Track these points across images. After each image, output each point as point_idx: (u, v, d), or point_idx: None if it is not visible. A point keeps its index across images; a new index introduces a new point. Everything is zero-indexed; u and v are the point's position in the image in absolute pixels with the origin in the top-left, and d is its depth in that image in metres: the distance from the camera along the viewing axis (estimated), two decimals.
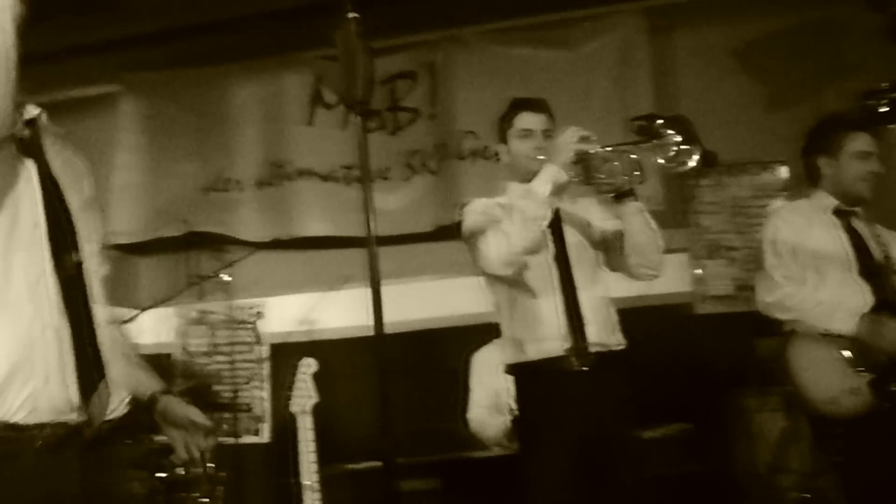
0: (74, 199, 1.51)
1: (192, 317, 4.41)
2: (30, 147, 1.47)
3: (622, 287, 2.44)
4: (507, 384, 2.79)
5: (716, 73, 3.98)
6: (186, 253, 4.34)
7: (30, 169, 1.44)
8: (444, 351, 3.88)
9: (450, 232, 3.87)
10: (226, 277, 3.96)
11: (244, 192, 4.37)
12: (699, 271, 3.95)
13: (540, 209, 2.17)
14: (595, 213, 2.44)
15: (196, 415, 1.69)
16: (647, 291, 2.80)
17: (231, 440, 3.88)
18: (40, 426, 1.36)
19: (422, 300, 4.13)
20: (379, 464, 2.71)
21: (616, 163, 2.20)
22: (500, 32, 4.09)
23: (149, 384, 1.70)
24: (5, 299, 1.36)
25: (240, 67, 4.41)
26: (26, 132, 1.47)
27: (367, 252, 1.56)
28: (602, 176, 2.22)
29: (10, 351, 1.35)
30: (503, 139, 2.45)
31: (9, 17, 1.33)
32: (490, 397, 3.36)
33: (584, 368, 2.23)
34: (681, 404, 3.36)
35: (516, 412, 2.41)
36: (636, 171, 2.19)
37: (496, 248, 2.22)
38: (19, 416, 1.34)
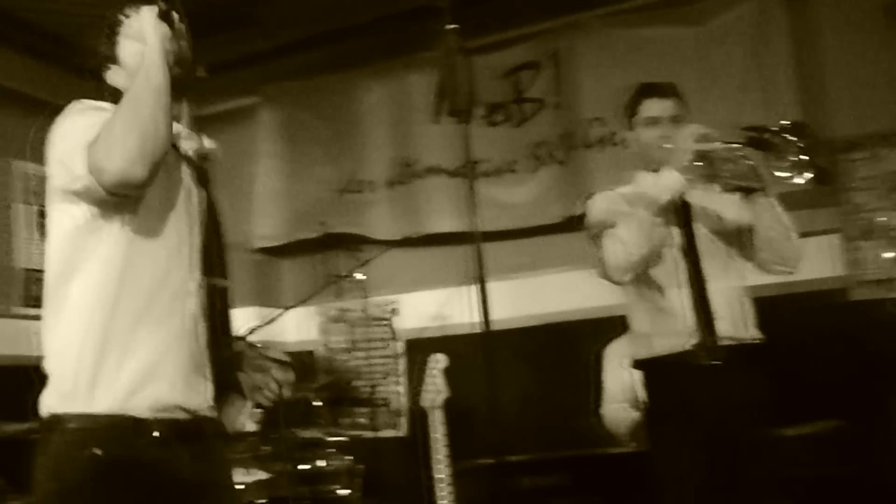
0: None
1: (332, 315, 4.59)
2: (203, 177, 1.64)
3: (765, 275, 2.30)
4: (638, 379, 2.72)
5: (865, 36, 3.64)
6: (324, 253, 4.53)
7: (202, 197, 1.63)
8: (577, 345, 3.80)
9: (580, 222, 3.81)
10: (360, 276, 4.08)
11: (376, 192, 4.49)
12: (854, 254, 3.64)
13: (656, 216, 2.12)
14: (727, 204, 2.31)
15: (272, 352, 1.75)
16: (795, 278, 2.61)
17: (370, 434, 4.00)
18: (157, 421, 1.47)
19: (553, 293, 4.08)
20: (510, 458, 2.73)
21: (735, 164, 2.12)
22: (622, 14, 3.94)
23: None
24: (155, 309, 1.50)
25: (367, 71, 4.53)
26: (204, 163, 1.66)
27: (473, 249, 1.55)
28: (726, 174, 2.14)
29: (145, 356, 1.47)
30: (630, 127, 2.39)
31: (162, 53, 1.52)
32: (624, 392, 3.27)
33: (715, 363, 2.13)
34: (833, 399, 3.11)
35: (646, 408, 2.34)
36: (756, 175, 2.11)
37: (613, 258, 2.20)
38: (143, 413, 1.46)
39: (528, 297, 4.10)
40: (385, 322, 4.45)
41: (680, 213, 2.25)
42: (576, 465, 3.15)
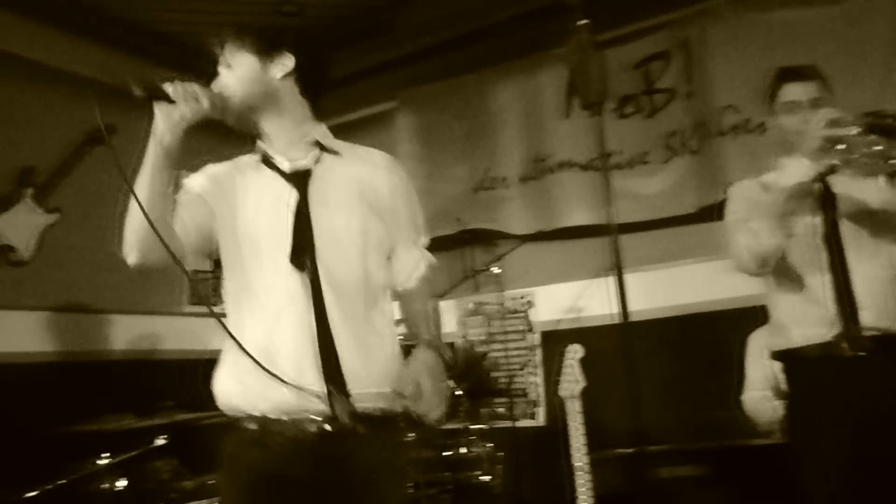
0: (339, 219, 1.76)
1: (469, 308, 4.75)
2: (294, 180, 1.78)
3: None
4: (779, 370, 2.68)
5: None
6: (461, 249, 4.70)
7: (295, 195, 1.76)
8: (716, 335, 3.76)
9: (714, 212, 3.76)
10: (496, 270, 4.20)
11: (510, 188, 4.60)
12: None
13: (786, 205, 2.09)
14: (872, 189, 2.22)
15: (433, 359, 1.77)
16: None
17: (508, 423, 4.13)
18: (290, 421, 1.62)
19: (690, 284, 4.04)
20: (649, 448, 2.75)
21: (868, 148, 2.03)
22: None
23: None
24: (272, 313, 1.67)
25: (499, 70, 4.64)
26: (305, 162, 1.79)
27: (610, 241, 1.63)
28: (861, 159, 2.06)
29: (304, 356, 1.63)
30: (770, 112, 2.35)
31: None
32: (766, 381, 3.22)
33: (859, 354, 2.09)
34: None
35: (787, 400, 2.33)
36: (886, 160, 2.02)
37: (746, 249, 2.18)
38: (274, 414, 1.63)
39: (664, 288, 4.08)
40: (521, 314, 4.56)
41: (821, 199, 2.20)
42: (715, 456, 3.13)
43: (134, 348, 4.12)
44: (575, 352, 3.23)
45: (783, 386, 2.71)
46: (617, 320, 3.98)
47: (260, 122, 1.83)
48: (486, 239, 4.65)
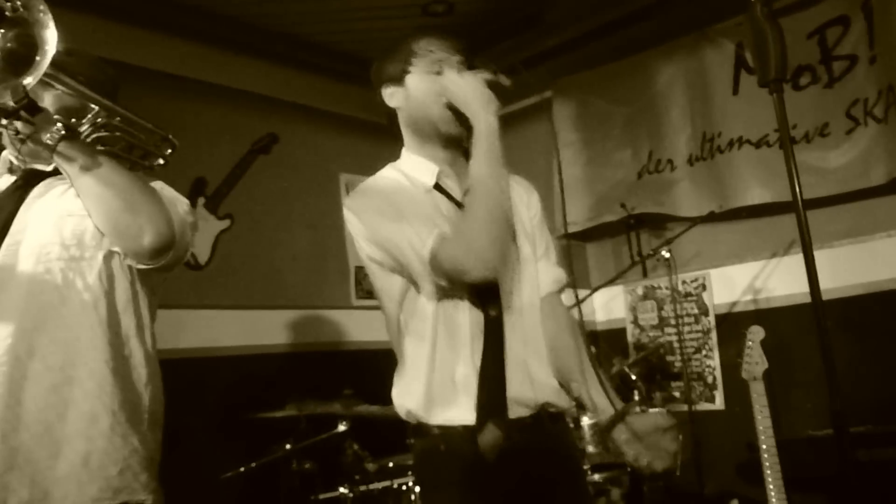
0: (524, 217, 1.83)
1: (639, 293, 4.71)
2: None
3: None
4: None
5: None
6: (627, 234, 4.67)
7: None
8: None
9: None
10: (665, 254, 4.15)
11: (676, 170, 4.51)
12: None
13: None
14: None
15: (663, 418, 1.73)
16: None
17: (685, 408, 4.07)
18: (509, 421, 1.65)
19: (882, 259, 3.81)
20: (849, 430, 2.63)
21: None
22: None
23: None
24: (453, 347, 1.67)
25: (658, 52, 4.56)
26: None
27: (797, 219, 1.58)
28: None
29: (448, 391, 1.66)
30: None
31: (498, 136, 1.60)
32: None
33: None
34: None
35: None
36: None
37: None
38: (456, 421, 1.66)
39: (854, 265, 3.87)
40: (694, 297, 4.47)
41: None
42: None
43: (308, 340, 4.37)
44: (756, 333, 3.15)
45: None
46: (799, 301, 3.89)
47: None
48: (654, 223, 4.60)
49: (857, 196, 3.87)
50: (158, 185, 1.75)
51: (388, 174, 1.81)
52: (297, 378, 3.88)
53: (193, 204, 4.06)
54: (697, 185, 4.40)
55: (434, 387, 1.66)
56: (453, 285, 1.61)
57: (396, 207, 1.66)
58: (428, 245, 1.57)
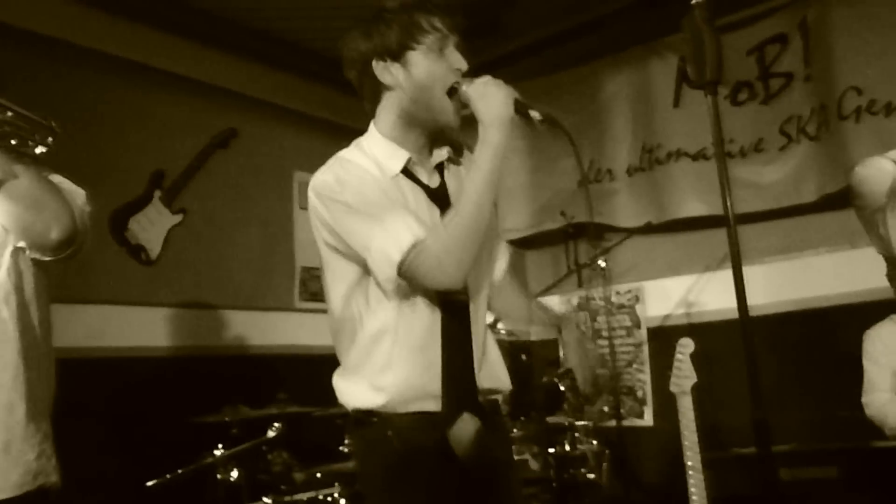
0: None
1: (574, 304, 4.67)
2: (437, 195, 1.72)
3: None
4: None
5: None
6: (566, 243, 4.63)
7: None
8: (838, 331, 3.55)
9: (838, 201, 3.55)
10: (602, 264, 4.11)
11: (616, 180, 4.49)
12: None
13: None
14: None
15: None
16: None
17: (614, 423, 4.03)
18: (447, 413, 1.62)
19: (810, 276, 3.84)
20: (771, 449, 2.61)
21: None
22: None
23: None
24: (417, 335, 1.63)
25: (606, 62, 4.54)
26: (434, 179, 1.74)
27: (728, 233, 1.57)
28: None
29: (414, 380, 1.61)
30: None
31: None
32: (891, 380, 3.01)
33: None
34: None
35: None
36: None
37: None
38: (431, 406, 1.62)
39: (783, 281, 3.90)
40: (627, 310, 4.44)
41: None
42: (842, 457, 2.95)
43: (250, 343, 4.26)
44: (686, 346, 3.11)
45: None
46: (730, 316, 3.89)
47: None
48: (592, 233, 4.56)
49: (789, 212, 3.90)
50: (57, 178, 1.74)
51: (355, 159, 1.70)
52: (237, 381, 3.76)
53: (150, 197, 3.93)
54: (635, 196, 4.39)
55: (394, 375, 1.61)
56: (416, 287, 1.59)
57: (367, 204, 1.59)
58: (402, 250, 1.52)
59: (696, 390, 3.03)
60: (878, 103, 3.53)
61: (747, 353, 1.46)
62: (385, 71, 1.64)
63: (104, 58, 3.57)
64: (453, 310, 1.65)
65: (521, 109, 1.57)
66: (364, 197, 1.60)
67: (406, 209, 1.61)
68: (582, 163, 1.72)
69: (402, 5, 1.65)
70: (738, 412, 3.69)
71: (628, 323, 4.44)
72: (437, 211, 1.66)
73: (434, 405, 1.60)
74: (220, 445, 3.09)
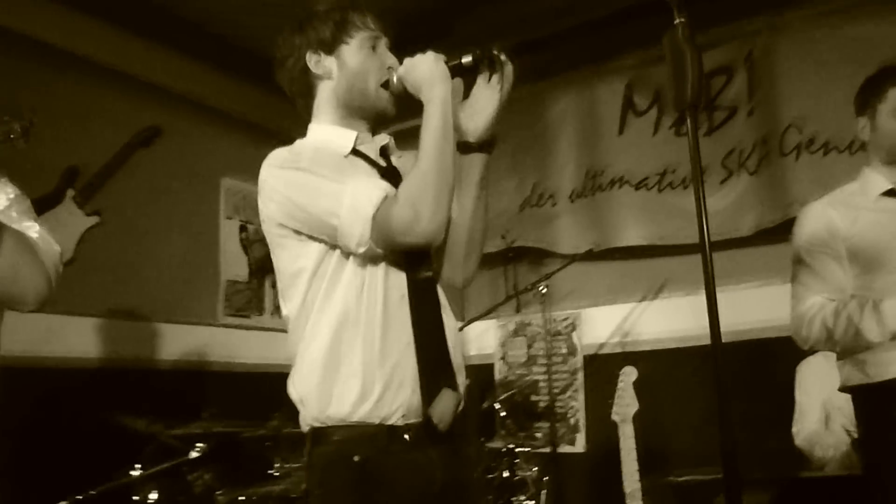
0: None
1: (511, 329, 4.60)
2: (389, 173, 1.66)
3: None
4: (842, 402, 2.54)
5: None
6: (505, 267, 4.56)
7: None
8: (771, 363, 3.59)
9: (775, 235, 3.61)
10: (543, 290, 4.07)
11: (557, 205, 4.46)
12: None
13: (880, 337, 1.96)
14: None
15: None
16: None
17: (549, 449, 3.96)
18: (408, 427, 1.54)
19: (745, 308, 3.87)
20: (701, 477, 2.59)
21: None
22: (828, 12, 3.68)
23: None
24: (382, 316, 1.56)
25: (554, 82, 4.52)
26: (380, 160, 1.69)
27: (702, 258, 1.52)
28: None
29: (386, 364, 1.54)
30: (864, 112, 2.20)
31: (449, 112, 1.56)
32: (820, 412, 3.06)
33: None
34: None
35: (858, 435, 2.19)
36: None
37: (815, 344, 2.10)
38: (395, 420, 1.53)
39: (721, 312, 3.91)
40: (564, 336, 4.40)
41: None
42: (772, 486, 2.96)
43: (170, 357, 4.04)
44: (629, 374, 3.11)
45: (845, 420, 2.55)
46: (666, 345, 3.91)
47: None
48: (532, 257, 4.52)
49: (727, 245, 3.92)
50: (35, 231, 1.76)
51: (305, 143, 1.69)
52: (156, 396, 3.54)
53: (62, 196, 3.69)
54: (577, 222, 4.37)
55: (358, 365, 1.53)
56: (388, 249, 1.52)
57: (329, 168, 1.56)
58: (375, 204, 1.48)
59: (638, 418, 3.03)
60: (817, 141, 3.61)
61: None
62: (318, 64, 1.68)
63: (14, 37, 3.32)
64: (422, 288, 1.59)
65: (451, 62, 1.60)
66: (324, 163, 1.58)
67: (368, 176, 1.60)
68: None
69: (337, 5, 1.70)
70: (673, 440, 3.72)
71: (564, 350, 4.39)
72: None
73: (410, 393, 1.54)
74: (137, 465, 2.90)
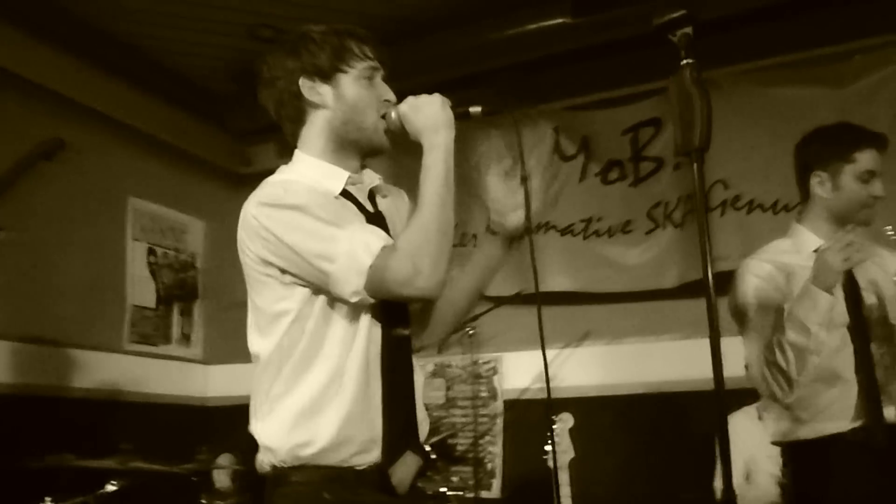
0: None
1: (430, 370, 4.49)
2: (376, 219, 1.61)
3: None
4: (768, 454, 2.55)
5: None
6: None
7: None
8: (692, 415, 3.59)
9: (697, 289, 3.62)
10: (471, 332, 3.99)
11: None
12: None
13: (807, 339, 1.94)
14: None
15: None
16: None
17: (470, 494, 3.86)
18: (371, 469, 1.49)
19: (665, 360, 3.88)
20: None
21: None
22: (756, 72, 3.78)
23: None
24: (364, 371, 1.50)
25: (480, 122, 4.46)
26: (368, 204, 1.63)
27: (707, 304, 1.46)
28: None
29: (364, 419, 1.49)
30: (825, 168, 2.16)
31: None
32: (742, 467, 3.08)
33: (881, 447, 1.96)
34: None
35: (789, 488, 2.18)
36: None
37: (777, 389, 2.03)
38: (355, 462, 1.49)
39: (637, 363, 3.93)
40: (485, 380, 4.32)
41: (847, 287, 2.07)
42: None
43: (81, 385, 3.85)
44: (566, 420, 3.07)
45: (773, 472, 2.56)
46: (586, 393, 3.87)
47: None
48: None
49: (650, 296, 3.93)
50: None
51: (292, 178, 1.58)
52: (63, 426, 3.42)
53: None
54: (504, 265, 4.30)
55: (336, 418, 1.47)
56: (381, 299, 1.46)
57: (324, 210, 1.49)
58: (373, 254, 1.42)
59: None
60: (742, 199, 3.67)
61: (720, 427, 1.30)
62: (313, 90, 1.59)
63: None
64: (397, 346, 1.55)
65: (458, 108, 1.58)
66: (318, 203, 1.50)
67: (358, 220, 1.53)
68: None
69: (334, 30, 1.62)
70: (599, 486, 3.66)
71: (485, 393, 4.30)
72: None
73: (372, 448, 1.49)
74: (47, 499, 2.75)
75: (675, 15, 1.35)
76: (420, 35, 3.92)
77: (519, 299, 4.01)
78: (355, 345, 1.50)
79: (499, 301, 4.00)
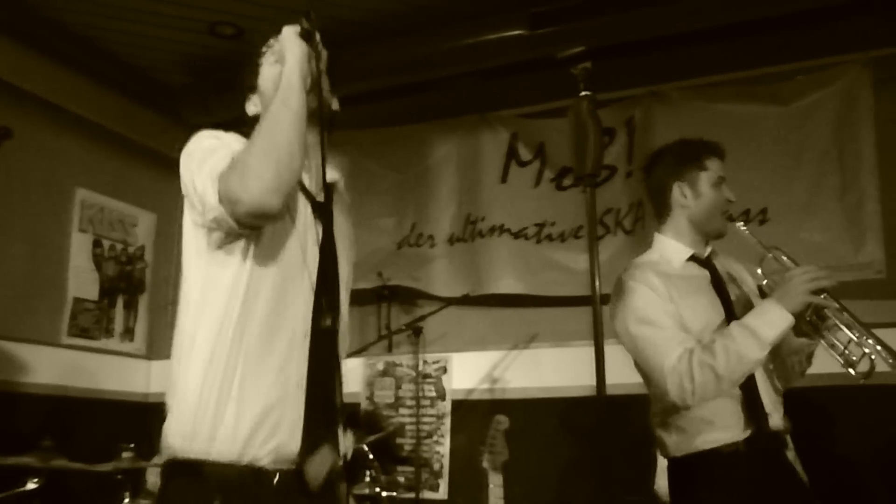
0: (344, 266, 1.64)
1: (379, 368, 4.50)
2: (322, 210, 1.58)
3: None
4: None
5: None
6: (378, 305, 4.47)
7: (316, 231, 1.56)
8: (631, 417, 3.68)
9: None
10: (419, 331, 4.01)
11: (436, 247, 4.44)
12: None
13: (760, 351, 1.94)
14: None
15: None
16: None
17: (412, 495, 3.87)
18: (277, 472, 1.43)
19: (613, 363, 3.95)
20: None
21: (856, 337, 1.89)
22: (704, 87, 3.90)
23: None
24: (271, 352, 1.46)
25: (438, 125, 4.53)
26: (321, 195, 1.59)
27: (592, 311, 1.53)
28: (836, 342, 1.94)
29: (266, 401, 1.44)
30: (683, 178, 2.24)
31: (300, 75, 1.50)
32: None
33: (770, 455, 2.04)
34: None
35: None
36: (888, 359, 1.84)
37: (702, 390, 2.02)
38: (264, 462, 1.43)
39: (583, 365, 3.98)
40: (433, 380, 4.35)
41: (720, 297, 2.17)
42: None
43: (10, 379, 3.73)
44: (502, 423, 3.09)
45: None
46: (533, 395, 3.94)
47: None
48: (407, 297, 4.46)
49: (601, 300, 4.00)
50: None
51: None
52: None
53: None
54: (454, 266, 4.35)
55: (240, 405, 1.42)
56: (239, 223, 1.42)
57: (221, 141, 1.51)
58: (225, 166, 1.42)
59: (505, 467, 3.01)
60: None
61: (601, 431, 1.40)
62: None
63: None
64: (321, 329, 1.50)
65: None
66: (226, 141, 1.52)
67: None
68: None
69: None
70: (535, 489, 3.72)
71: (433, 393, 4.33)
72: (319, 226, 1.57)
73: (288, 438, 1.44)
74: None
75: (575, 51, 1.44)
76: (380, 39, 3.94)
77: (467, 300, 4.08)
78: (272, 326, 1.49)
79: (448, 301, 4.06)
